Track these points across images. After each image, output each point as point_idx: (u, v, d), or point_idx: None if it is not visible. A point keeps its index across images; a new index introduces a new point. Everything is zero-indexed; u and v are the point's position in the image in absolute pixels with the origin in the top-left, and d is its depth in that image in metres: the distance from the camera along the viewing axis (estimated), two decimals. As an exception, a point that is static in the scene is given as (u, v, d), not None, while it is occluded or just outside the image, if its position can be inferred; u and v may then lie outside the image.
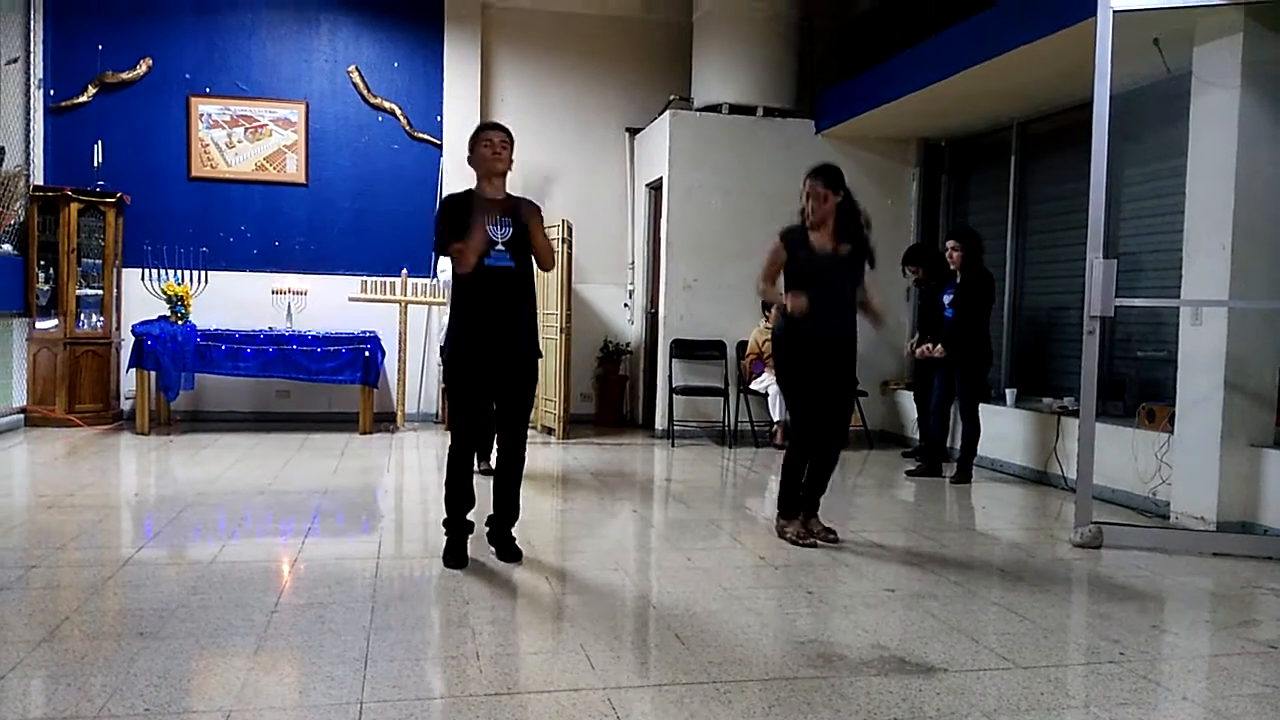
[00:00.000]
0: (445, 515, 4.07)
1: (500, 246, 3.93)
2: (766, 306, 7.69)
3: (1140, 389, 6.11)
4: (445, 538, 4.07)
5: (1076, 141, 6.53)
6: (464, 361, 3.99)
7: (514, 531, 4.16)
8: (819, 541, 4.54)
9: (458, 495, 4.05)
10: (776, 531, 4.68)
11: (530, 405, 4.18)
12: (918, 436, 7.42)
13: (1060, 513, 5.54)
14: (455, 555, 4.01)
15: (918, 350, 6.93)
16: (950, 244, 6.51)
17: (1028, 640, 3.28)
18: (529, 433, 4.27)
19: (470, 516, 4.10)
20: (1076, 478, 4.86)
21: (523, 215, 4.01)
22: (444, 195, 4.04)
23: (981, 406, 6.53)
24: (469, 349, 3.97)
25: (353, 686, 2.71)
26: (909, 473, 6.72)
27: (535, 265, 4.11)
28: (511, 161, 4.06)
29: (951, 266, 6.49)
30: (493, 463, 4.25)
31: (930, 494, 6.11)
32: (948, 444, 6.92)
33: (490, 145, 3.98)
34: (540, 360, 4.16)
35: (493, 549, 4.14)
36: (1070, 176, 6.77)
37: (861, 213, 4.50)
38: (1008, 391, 7.01)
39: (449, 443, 4.09)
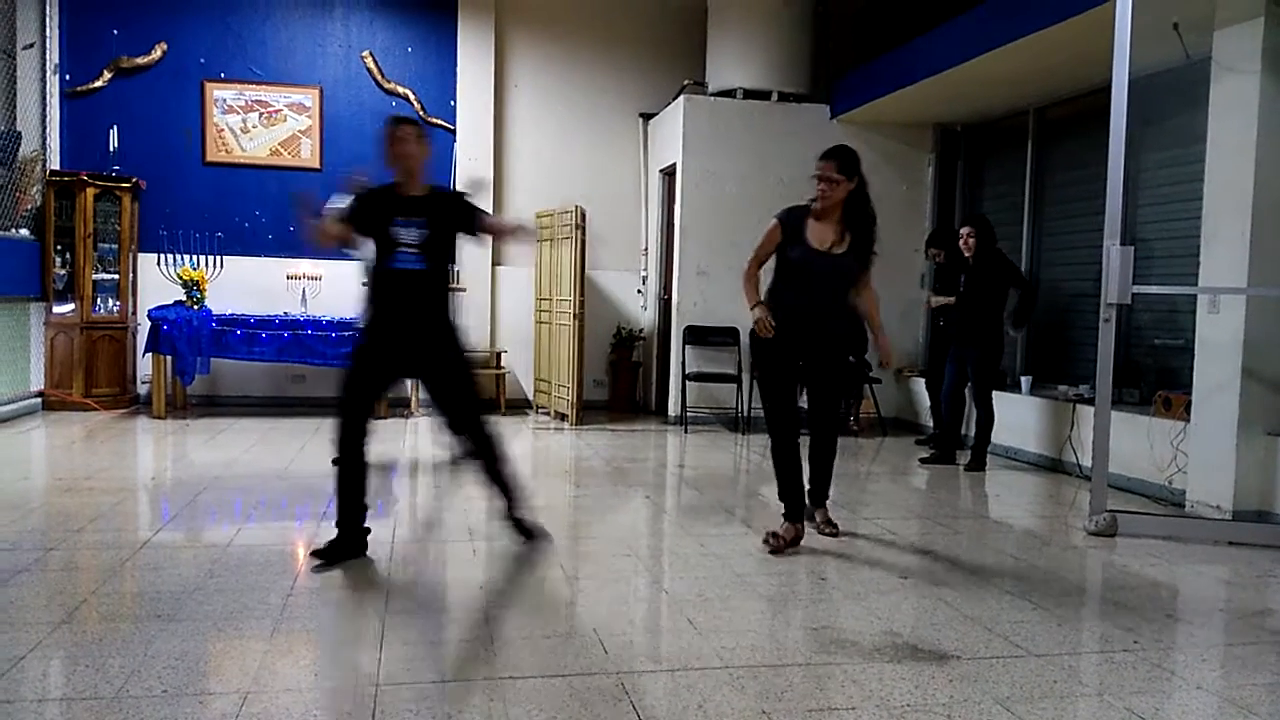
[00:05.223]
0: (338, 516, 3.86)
1: (407, 249, 3.85)
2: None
3: (1157, 377, 6.08)
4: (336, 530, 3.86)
5: (1094, 127, 6.46)
6: (365, 358, 3.94)
7: (526, 514, 4.13)
8: (817, 530, 4.45)
9: (351, 484, 3.86)
10: None
11: (469, 390, 4.00)
12: (931, 424, 7.40)
13: (1075, 501, 5.53)
14: (343, 549, 3.80)
15: (935, 302, 6.99)
16: (965, 230, 6.49)
17: (1041, 628, 3.28)
18: (490, 418, 4.03)
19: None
20: (1092, 466, 4.84)
21: (446, 213, 3.93)
22: (365, 188, 3.95)
23: (996, 394, 6.50)
24: (371, 349, 3.93)
25: (368, 669, 2.73)
26: (923, 460, 6.70)
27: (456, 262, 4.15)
28: (425, 153, 3.94)
29: (966, 254, 6.46)
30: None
31: (944, 482, 6.10)
32: (962, 431, 6.91)
33: (402, 141, 3.86)
34: (464, 354, 3.99)
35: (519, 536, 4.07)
36: (1087, 162, 6.71)
37: (873, 216, 4.24)
38: (1023, 379, 6.97)
39: (338, 426, 3.86)
